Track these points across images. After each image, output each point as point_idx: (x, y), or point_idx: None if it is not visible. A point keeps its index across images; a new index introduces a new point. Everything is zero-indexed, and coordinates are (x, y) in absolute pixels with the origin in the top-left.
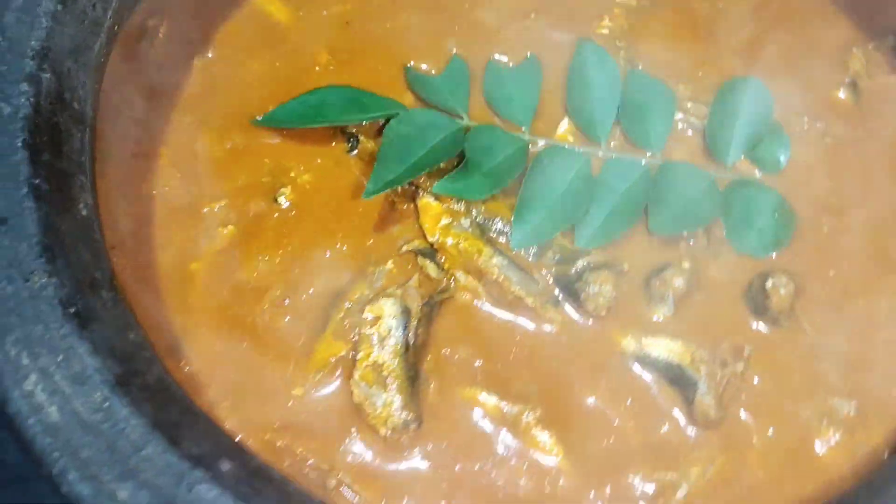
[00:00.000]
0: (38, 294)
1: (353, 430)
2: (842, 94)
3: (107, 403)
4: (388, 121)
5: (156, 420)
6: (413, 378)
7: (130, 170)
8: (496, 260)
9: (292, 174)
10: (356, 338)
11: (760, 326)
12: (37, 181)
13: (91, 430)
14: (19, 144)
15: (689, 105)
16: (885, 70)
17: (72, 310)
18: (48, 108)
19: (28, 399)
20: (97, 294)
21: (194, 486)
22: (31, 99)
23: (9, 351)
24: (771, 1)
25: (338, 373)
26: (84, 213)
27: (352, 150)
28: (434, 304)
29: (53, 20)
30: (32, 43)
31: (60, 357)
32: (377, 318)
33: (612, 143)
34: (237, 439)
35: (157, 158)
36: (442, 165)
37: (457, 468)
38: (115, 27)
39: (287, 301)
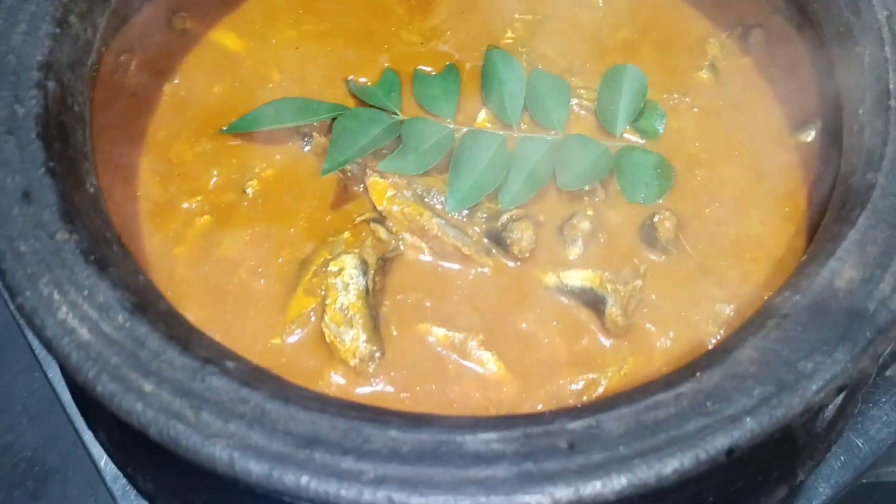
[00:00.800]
0: (62, 247)
1: (325, 365)
2: (704, 73)
3: (128, 324)
4: (335, 119)
5: (170, 334)
6: (375, 317)
7: (117, 175)
8: (435, 220)
9: (257, 170)
10: (324, 291)
11: (653, 255)
12: (52, 164)
13: (116, 344)
14: (34, 136)
15: (581, 92)
16: (736, 54)
17: (91, 258)
18: (55, 110)
19: (62, 325)
20: (110, 248)
21: (206, 377)
22: (41, 102)
23: (42, 290)
24: (640, 9)
25: (311, 321)
26: (91, 190)
27: (306, 146)
28: (387, 260)
29: (53, 40)
30: (38, 58)
31: (86, 292)
32: (341, 270)
33: (522, 126)
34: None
35: (139, 166)
36: (384, 151)
37: (417, 389)
38: (103, 49)
39: (260, 269)
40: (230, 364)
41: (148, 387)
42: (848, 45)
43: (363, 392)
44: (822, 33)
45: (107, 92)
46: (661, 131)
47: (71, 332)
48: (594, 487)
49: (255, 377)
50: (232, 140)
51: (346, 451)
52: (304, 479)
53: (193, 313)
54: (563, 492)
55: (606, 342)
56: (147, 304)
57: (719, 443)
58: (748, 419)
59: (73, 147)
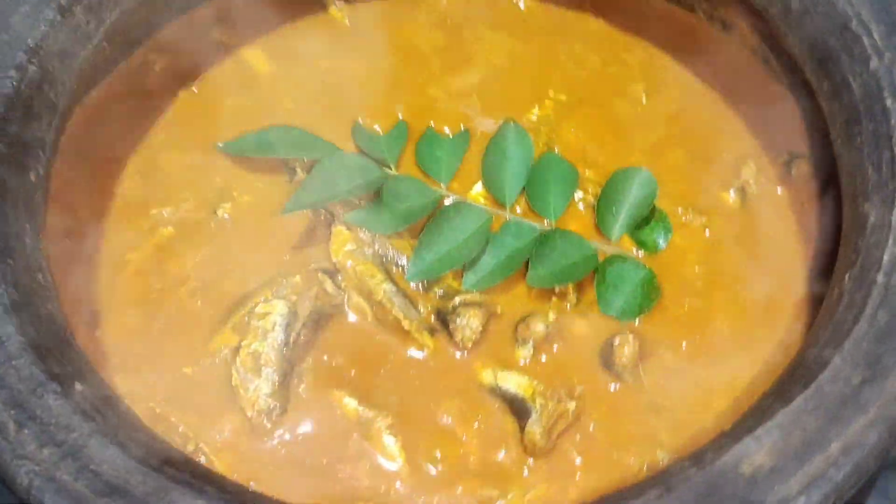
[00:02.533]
0: None
1: (226, 409)
2: (731, 195)
3: None
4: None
5: (33, 341)
6: (287, 372)
7: (99, 168)
8: (385, 286)
9: (235, 194)
10: (246, 330)
11: (606, 379)
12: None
13: None
14: None
15: (589, 186)
16: (773, 181)
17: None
18: (26, 93)
19: None
20: (19, 241)
21: (45, 394)
22: (14, 83)
23: None
24: (684, 113)
25: (226, 360)
26: (32, 178)
27: (291, 179)
28: (324, 314)
29: (50, 26)
30: (28, 41)
31: None
32: (266, 314)
33: (517, 209)
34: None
35: (126, 164)
36: (357, 201)
37: (306, 459)
38: (105, 44)
39: (200, 292)
40: (78, 387)
41: None
42: (858, 201)
43: (251, 447)
44: (840, 179)
45: (121, 87)
46: (663, 247)
47: None
48: None
49: (97, 407)
50: (223, 158)
51: None
52: None
53: (121, 322)
54: None
55: (524, 459)
56: (27, 304)
57: None
58: None
59: (31, 133)
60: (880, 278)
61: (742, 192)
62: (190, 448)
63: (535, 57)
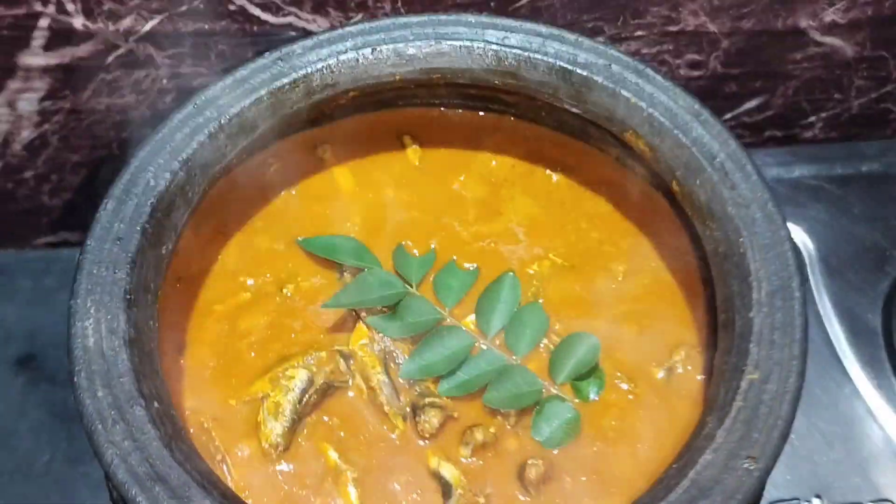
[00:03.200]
0: (115, 280)
1: (249, 437)
2: (661, 374)
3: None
4: (364, 270)
5: (136, 367)
6: (296, 421)
7: (212, 239)
8: (380, 376)
9: (299, 278)
10: (277, 383)
11: (516, 488)
12: (148, 225)
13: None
14: (149, 203)
15: (553, 336)
16: (696, 370)
17: (129, 296)
18: (173, 191)
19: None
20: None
21: (134, 406)
22: (167, 183)
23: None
24: (649, 294)
25: (259, 401)
26: (163, 252)
27: (340, 277)
28: (332, 386)
29: (200, 146)
30: (183, 154)
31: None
32: (291, 377)
33: (496, 341)
34: (186, 413)
35: (230, 239)
36: (380, 308)
37: (293, 486)
38: (234, 159)
39: (256, 346)
40: (156, 405)
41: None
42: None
43: (259, 468)
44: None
45: (240, 179)
46: (593, 398)
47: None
48: None
49: (164, 420)
50: (298, 250)
51: None
52: None
53: (199, 354)
54: None
55: None
56: (138, 340)
57: None
58: None
59: (170, 220)
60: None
61: (669, 371)
62: (218, 457)
63: (548, 223)
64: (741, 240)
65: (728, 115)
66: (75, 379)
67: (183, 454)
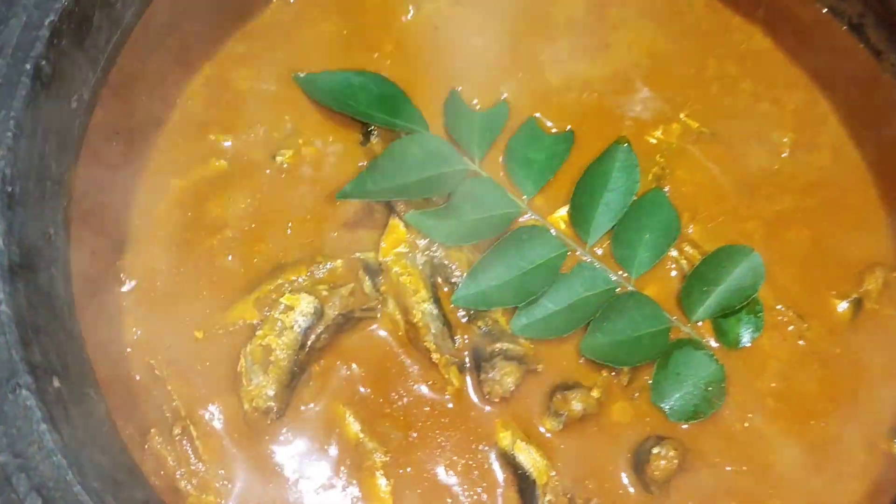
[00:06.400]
0: None
1: (224, 392)
2: (843, 305)
3: None
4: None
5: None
6: (296, 374)
7: (168, 70)
8: (427, 306)
9: (300, 141)
10: (268, 314)
11: (631, 483)
12: (42, 62)
13: None
14: (46, 23)
15: (686, 248)
16: None
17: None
18: (88, 3)
19: None
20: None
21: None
22: None
23: None
24: (827, 183)
25: (239, 337)
26: (73, 105)
27: (364, 142)
28: (352, 317)
29: None
30: None
31: None
32: (289, 308)
33: (597, 250)
34: (126, 351)
35: (197, 72)
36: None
37: (290, 474)
38: None
39: (234, 246)
40: (55, 383)
41: None
42: None
43: (239, 445)
44: None
45: None
46: (746, 344)
47: None
48: None
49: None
50: (299, 94)
51: None
52: None
53: (147, 259)
54: None
55: None
56: (31, 271)
57: None
58: None
59: (84, 51)
60: None
61: (858, 305)
62: (176, 431)
63: (679, 63)
64: None
65: None
66: None
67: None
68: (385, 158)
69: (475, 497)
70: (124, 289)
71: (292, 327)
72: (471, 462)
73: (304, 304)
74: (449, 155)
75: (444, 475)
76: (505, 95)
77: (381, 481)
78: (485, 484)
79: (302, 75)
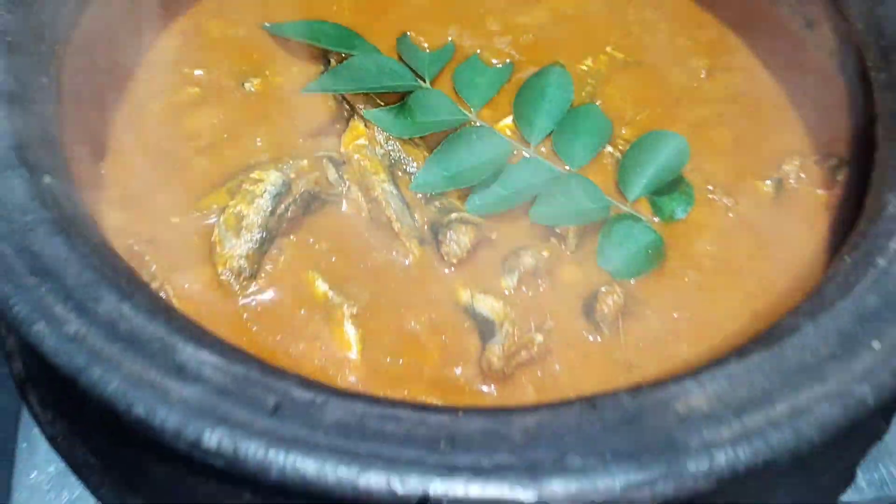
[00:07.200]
0: None
1: (200, 263)
2: (767, 185)
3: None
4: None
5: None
6: (266, 240)
7: (145, 19)
8: (385, 185)
9: (267, 72)
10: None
11: (583, 326)
12: None
13: None
14: None
15: (620, 143)
16: (814, 184)
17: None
18: None
19: None
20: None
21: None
22: None
23: None
24: (741, 96)
25: (213, 218)
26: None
27: (325, 69)
28: (318, 198)
29: None
30: None
31: None
32: (259, 181)
33: (541, 149)
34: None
35: (173, 22)
36: (381, 102)
37: (262, 327)
38: None
39: (207, 150)
40: (47, 179)
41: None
42: (882, 191)
43: (212, 304)
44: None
45: None
46: (680, 217)
47: None
48: None
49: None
50: (266, 39)
51: None
52: None
53: (126, 158)
54: None
55: (479, 383)
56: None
57: None
58: None
59: None
60: (881, 262)
61: (779, 184)
62: (154, 285)
63: (603, 12)
64: None
65: None
66: None
67: (86, 244)
68: (342, 68)
69: (445, 343)
70: (103, 191)
71: (263, 195)
72: (433, 315)
73: (273, 176)
74: (401, 70)
75: (411, 325)
76: (451, 39)
77: (350, 329)
78: (448, 331)
79: (269, 24)
